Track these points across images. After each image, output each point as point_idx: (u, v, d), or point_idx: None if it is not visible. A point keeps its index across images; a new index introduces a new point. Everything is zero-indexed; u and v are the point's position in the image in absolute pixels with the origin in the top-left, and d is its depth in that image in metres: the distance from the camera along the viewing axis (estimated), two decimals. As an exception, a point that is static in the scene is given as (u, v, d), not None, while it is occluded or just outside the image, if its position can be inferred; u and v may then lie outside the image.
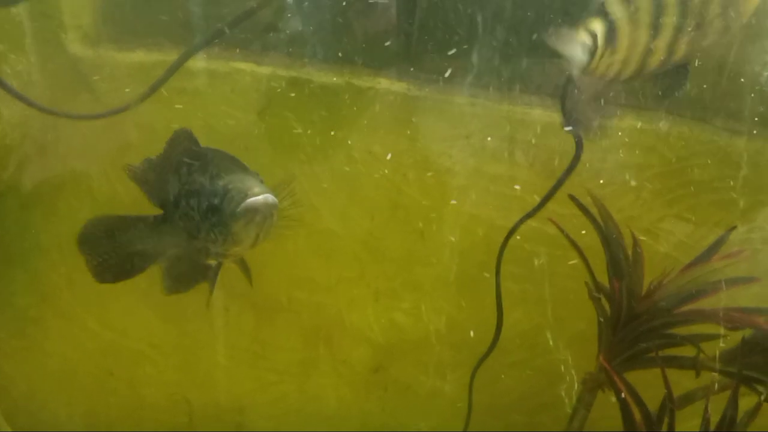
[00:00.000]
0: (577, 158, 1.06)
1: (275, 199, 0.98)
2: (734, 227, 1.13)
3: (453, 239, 1.48)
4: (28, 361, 1.57)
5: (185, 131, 1.05)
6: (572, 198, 1.10)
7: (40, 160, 1.44)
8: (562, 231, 1.12)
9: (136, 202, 1.15)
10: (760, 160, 1.37)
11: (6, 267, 1.50)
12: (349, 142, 1.43)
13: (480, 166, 1.45)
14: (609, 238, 1.05)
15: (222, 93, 1.43)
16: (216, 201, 0.99)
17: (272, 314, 1.57)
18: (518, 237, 1.33)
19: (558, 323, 1.50)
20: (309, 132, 1.44)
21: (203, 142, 1.08)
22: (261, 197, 0.96)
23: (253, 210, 0.97)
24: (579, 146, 1.05)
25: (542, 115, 1.41)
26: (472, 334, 1.48)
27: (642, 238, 1.37)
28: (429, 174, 1.46)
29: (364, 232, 1.51)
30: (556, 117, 1.38)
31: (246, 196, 0.96)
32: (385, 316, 1.56)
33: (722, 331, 1.01)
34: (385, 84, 1.41)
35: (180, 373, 1.59)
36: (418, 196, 1.49)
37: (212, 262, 1.14)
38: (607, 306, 1.13)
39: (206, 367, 1.59)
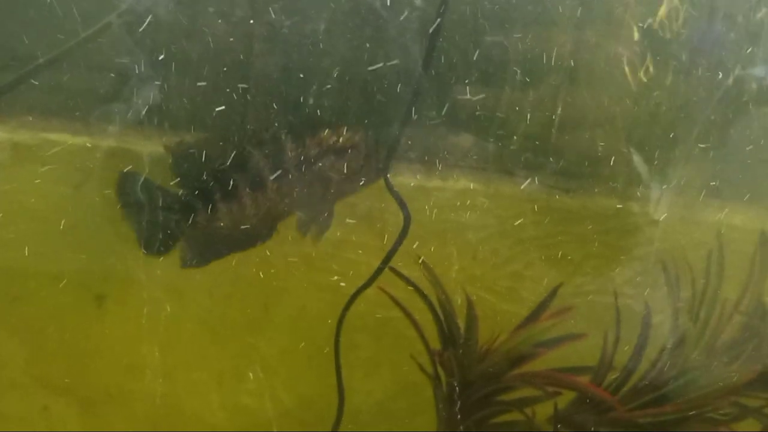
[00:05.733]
0: (405, 229, 1.04)
1: None
2: (560, 285, 1.15)
3: (298, 310, 1.42)
4: None
5: None
6: (393, 270, 1.07)
7: None
8: (393, 300, 1.08)
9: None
10: (585, 214, 1.43)
11: None
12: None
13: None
14: (442, 305, 1.03)
15: (31, 167, 1.30)
16: None
17: (100, 408, 1.41)
18: (365, 304, 1.30)
19: (412, 389, 1.46)
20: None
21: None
22: None
23: None
24: (407, 219, 1.04)
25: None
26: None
27: (486, 296, 1.39)
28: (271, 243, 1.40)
29: (202, 311, 1.41)
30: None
31: None
32: (230, 400, 1.44)
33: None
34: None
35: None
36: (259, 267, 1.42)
37: None
38: (443, 375, 1.10)
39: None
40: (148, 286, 1.37)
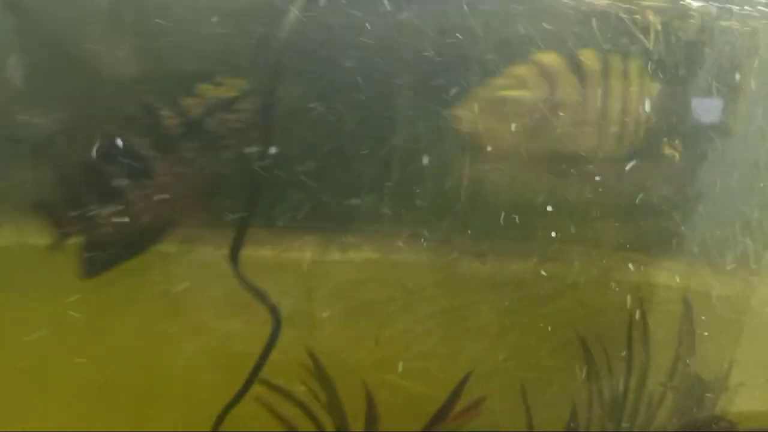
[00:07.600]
0: (275, 333, 0.86)
1: None
2: (470, 373, 1.00)
3: (176, 416, 1.22)
4: None
5: None
6: (266, 383, 0.90)
7: None
8: (270, 411, 0.90)
9: None
10: (499, 280, 1.32)
11: None
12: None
13: (206, 322, 1.24)
14: (333, 410, 0.86)
15: None
16: None
17: None
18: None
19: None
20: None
21: None
22: None
23: None
24: (275, 320, 0.87)
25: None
26: None
27: (396, 381, 1.24)
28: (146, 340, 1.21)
29: (58, 426, 1.19)
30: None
31: None
32: None
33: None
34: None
35: None
36: (134, 369, 1.22)
37: None
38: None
39: None
40: None
